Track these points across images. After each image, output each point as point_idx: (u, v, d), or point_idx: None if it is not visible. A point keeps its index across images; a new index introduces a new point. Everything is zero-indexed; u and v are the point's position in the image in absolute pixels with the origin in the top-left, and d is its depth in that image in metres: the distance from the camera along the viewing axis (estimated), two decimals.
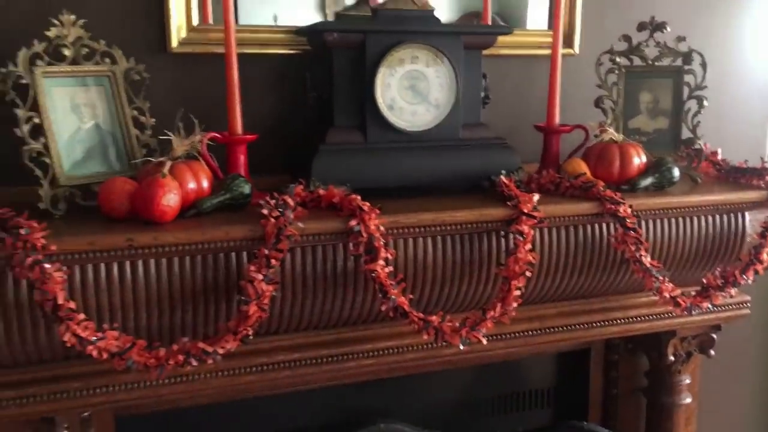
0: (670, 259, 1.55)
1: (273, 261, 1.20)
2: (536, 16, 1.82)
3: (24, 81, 1.24)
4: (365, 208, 1.27)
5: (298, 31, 1.53)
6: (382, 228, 1.27)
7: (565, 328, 1.57)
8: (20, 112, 1.22)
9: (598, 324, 1.60)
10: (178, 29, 1.46)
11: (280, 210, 1.23)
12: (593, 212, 1.43)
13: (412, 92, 1.45)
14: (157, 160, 1.27)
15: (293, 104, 1.58)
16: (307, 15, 1.63)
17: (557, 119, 1.63)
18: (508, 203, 1.38)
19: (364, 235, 1.25)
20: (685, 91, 1.68)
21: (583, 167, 1.54)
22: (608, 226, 1.47)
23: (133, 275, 1.18)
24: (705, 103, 1.68)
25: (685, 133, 1.69)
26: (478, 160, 1.49)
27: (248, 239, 1.22)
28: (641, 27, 1.68)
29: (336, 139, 1.42)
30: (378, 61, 1.40)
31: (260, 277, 1.19)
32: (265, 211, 1.22)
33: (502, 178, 1.45)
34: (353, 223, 1.26)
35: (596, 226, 1.47)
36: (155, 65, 1.43)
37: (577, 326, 1.58)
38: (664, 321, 1.66)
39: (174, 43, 1.47)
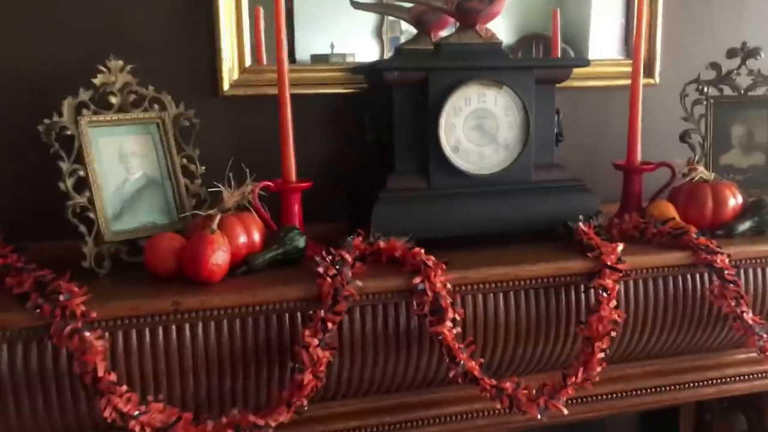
0: None
1: (330, 324, 1.09)
2: (599, 35, 1.69)
3: (69, 132, 1.17)
4: (430, 263, 1.16)
5: (356, 70, 1.43)
6: (448, 285, 1.16)
7: (652, 390, 1.41)
8: (64, 166, 1.16)
9: (690, 385, 1.44)
10: (230, 71, 1.39)
11: (337, 268, 1.12)
12: (686, 263, 1.28)
13: (479, 133, 1.33)
14: (206, 213, 1.18)
15: (351, 147, 1.49)
16: (364, 42, 1.55)
17: (639, 156, 1.48)
18: (589, 254, 1.24)
19: (429, 293, 1.14)
20: None
21: (671, 210, 1.38)
22: (702, 277, 1.31)
23: (179, 340, 1.08)
24: None
25: None
26: (552, 205, 1.36)
27: (303, 300, 1.12)
28: (731, 54, 1.52)
29: (397, 186, 1.31)
30: (442, 99, 1.29)
31: (316, 342, 1.08)
32: (320, 269, 1.12)
33: (580, 224, 1.32)
34: (417, 280, 1.14)
35: (688, 276, 1.31)
36: (206, 110, 1.36)
37: (667, 388, 1.42)
38: (766, 380, 1.48)
39: (226, 85, 1.39)
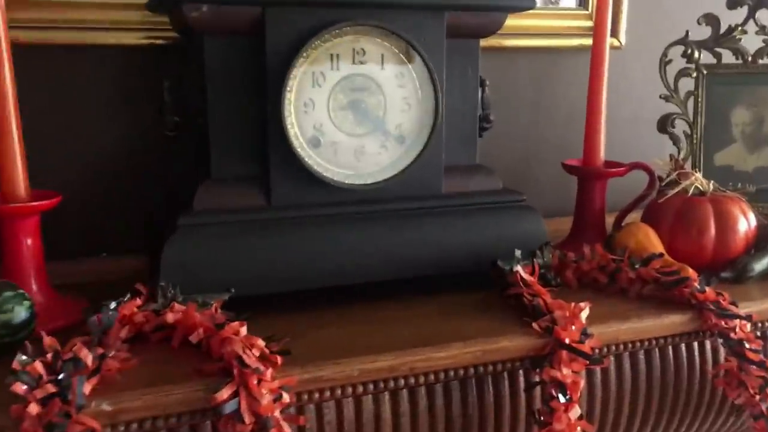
0: None
1: None
2: None
3: None
4: (249, 360, 0.62)
5: (151, 4, 0.86)
6: (285, 398, 0.62)
7: None
8: None
9: None
10: None
11: (59, 380, 0.57)
12: (686, 331, 0.80)
13: (354, 115, 0.80)
14: None
15: (145, 136, 0.93)
16: None
17: (602, 153, 0.99)
18: (534, 324, 0.74)
19: (247, 419, 0.60)
20: None
21: (653, 240, 0.90)
22: (701, 346, 0.84)
23: None
24: None
25: None
26: (474, 233, 0.85)
27: None
28: (734, 2, 1.03)
29: (212, 204, 0.77)
30: (289, 58, 0.75)
31: None
32: (21, 388, 0.56)
33: (519, 268, 0.81)
34: (224, 395, 0.61)
35: (681, 347, 0.83)
36: None
37: None
38: None
39: None
